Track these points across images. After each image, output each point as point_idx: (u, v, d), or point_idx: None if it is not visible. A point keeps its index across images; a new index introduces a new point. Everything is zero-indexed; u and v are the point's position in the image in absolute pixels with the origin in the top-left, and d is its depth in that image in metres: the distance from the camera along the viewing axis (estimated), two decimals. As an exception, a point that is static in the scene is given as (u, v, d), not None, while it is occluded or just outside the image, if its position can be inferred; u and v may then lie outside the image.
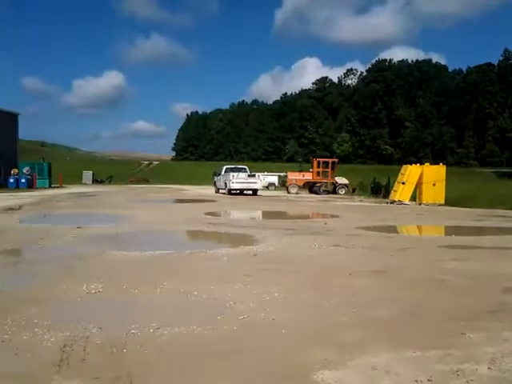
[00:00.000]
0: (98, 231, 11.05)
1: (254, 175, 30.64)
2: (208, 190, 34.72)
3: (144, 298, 5.24)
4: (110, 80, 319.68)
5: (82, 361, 3.44)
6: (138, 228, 11.93)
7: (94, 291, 5.36)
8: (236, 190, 28.95)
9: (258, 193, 30.13)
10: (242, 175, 29.40)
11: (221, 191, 31.25)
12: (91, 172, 51.69)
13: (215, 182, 33.20)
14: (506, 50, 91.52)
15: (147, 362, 3.45)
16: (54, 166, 40.38)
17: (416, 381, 3.16)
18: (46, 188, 34.96)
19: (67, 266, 6.88)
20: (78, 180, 48.66)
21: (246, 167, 32.39)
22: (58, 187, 37.49)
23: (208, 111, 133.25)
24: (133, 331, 4.02)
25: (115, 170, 60.69)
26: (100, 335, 3.92)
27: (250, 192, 29.72)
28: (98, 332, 4.00)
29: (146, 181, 56.35)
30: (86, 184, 47.39)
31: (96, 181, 51.02)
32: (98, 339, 3.83)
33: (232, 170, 30.84)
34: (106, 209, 17.99)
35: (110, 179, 53.07)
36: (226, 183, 29.50)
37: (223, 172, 30.96)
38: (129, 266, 6.93)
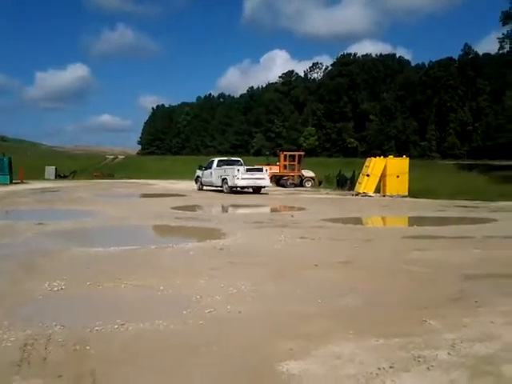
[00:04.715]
0: (61, 227, 10.81)
1: (261, 169, 25.03)
2: (176, 185, 34.40)
3: (108, 294, 5.16)
4: (75, 73, 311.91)
5: (44, 359, 3.36)
6: (103, 224, 11.73)
7: (56, 288, 5.24)
8: (242, 187, 24.20)
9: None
10: (245, 169, 23.99)
11: (206, 188, 26.89)
12: (54, 167, 50.35)
13: (198, 177, 28.22)
14: (466, 44, 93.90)
15: (111, 359, 3.41)
16: (16, 162, 39.14)
17: (379, 368, 3.23)
18: (6, 184, 33.86)
19: (28, 263, 6.70)
20: (40, 175, 47.37)
21: (240, 159, 27.78)
22: (19, 183, 36.41)
23: (174, 104, 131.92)
24: (97, 328, 3.95)
25: (79, 165, 59.27)
26: (62, 333, 3.84)
27: (251, 190, 24.79)
28: (61, 330, 3.91)
29: (111, 175, 55.33)
30: (48, 179, 46.18)
31: (59, 176, 49.73)
32: (61, 337, 3.75)
33: (226, 162, 26.29)
34: (70, 204, 17.59)
35: (73, 174, 51.88)
36: (224, 179, 24.33)
37: (215, 166, 25.95)
38: (93, 263, 6.80)
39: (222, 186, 24.68)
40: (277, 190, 30.01)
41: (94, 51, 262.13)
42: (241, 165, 25.42)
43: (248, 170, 23.97)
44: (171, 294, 5.09)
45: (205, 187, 27.00)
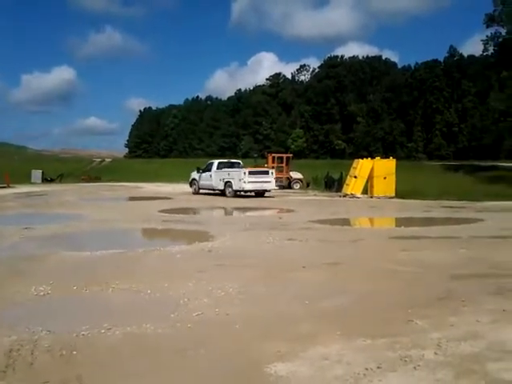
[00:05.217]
0: (48, 231, 10.70)
1: (267, 172, 23.84)
2: (164, 188, 34.17)
3: (95, 298, 5.13)
4: (61, 75, 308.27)
5: (30, 365, 3.33)
6: (90, 227, 11.64)
7: (42, 293, 5.20)
8: (249, 191, 22.99)
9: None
10: (251, 172, 22.88)
11: (202, 191, 25.15)
12: (40, 171, 49.79)
13: (193, 180, 26.13)
14: (451, 46, 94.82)
15: (98, 363, 3.38)
16: (1, 165, 38.78)
17: (366, 368, 3.25)
18: (-9, 188, 33.45)
19: (14, 268, 6.63)
20: (26, 179, 46.89)
21: (240, 162, 26.76)
22: (4, 187, 36.00)
23: (161, 107, 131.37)
24: (83, 332, 3.93)
25: (66, 168, 58.71)
26: (49, 338, 3.81)
27: (253, 194, 23.55)
28: (47, 335, 3.88)
29: (98, 179, 54.94)
30: (35, 183, 45.71)
31: (46, 180, 49.23)
32: (47, 342, 3.71)
33: (226, 165, 25.09)
34: (57, 208, 17.43)
35: (60, 178, 51.43)
36: (227, 182, 22.93)
37: (215, 168, 24.23)
38: (80, 267, 6.75)
39: (223, 190, 23.33)
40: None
41: (80, 54, 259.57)
42: (241, 167, 24.36)
43: (252, 173, 22.78)
44: (159, 298, 5.07)
45: (201, 190, 25.30)
